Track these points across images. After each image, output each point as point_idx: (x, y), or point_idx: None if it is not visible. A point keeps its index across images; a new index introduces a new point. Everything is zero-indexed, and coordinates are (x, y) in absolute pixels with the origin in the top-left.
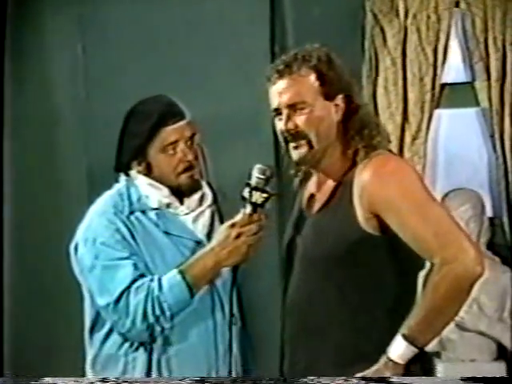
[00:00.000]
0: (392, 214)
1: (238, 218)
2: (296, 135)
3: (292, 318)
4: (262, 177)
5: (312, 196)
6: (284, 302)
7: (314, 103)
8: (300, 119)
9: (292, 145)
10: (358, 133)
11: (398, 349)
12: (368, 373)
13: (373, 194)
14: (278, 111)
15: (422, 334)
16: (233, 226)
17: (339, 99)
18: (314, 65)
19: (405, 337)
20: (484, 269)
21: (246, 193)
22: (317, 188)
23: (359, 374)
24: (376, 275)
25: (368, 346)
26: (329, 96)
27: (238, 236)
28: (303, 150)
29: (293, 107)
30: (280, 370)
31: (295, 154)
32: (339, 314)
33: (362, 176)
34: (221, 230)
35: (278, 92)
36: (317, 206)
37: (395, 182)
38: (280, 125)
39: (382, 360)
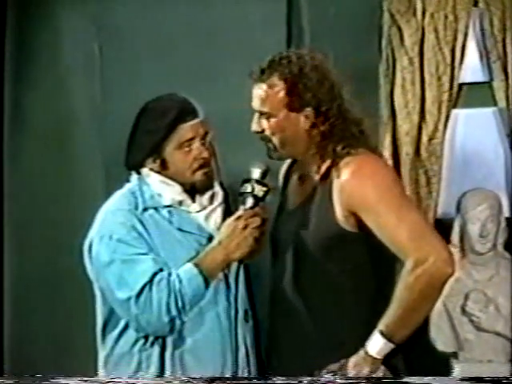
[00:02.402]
0: (369, 215)
1: (241, 211)
2: (262, 137)
3: (276, 307)
4: (259, 170)
5: (295, 188)
6: (272, 293)
7: (278, 114)
8: (265, 124)
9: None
10: (327, 138)
11: (376, 345)
12: (346, 364)
13: (351, 194)
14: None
15: (398, 330)
16: (238, 218)
17: (308, 111)
18: (285, 77)
19: (382, 333)
20: (454, 269)
21: (247, 187)
22: (300, 180)
23: (335, 365)
24: (356, 268)
25: (347, 336)
26: (295, 109)
27: (245, 227)
28: (271, 149)
29: (260, 112)
30: (267, 362)
31: (268, 152)
32: (316, 305)
33: (341, 177)
34: (227, 224)
35: (254, 95)
36: (299, 200)
37: (373, 183)
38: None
39: (361, 354)
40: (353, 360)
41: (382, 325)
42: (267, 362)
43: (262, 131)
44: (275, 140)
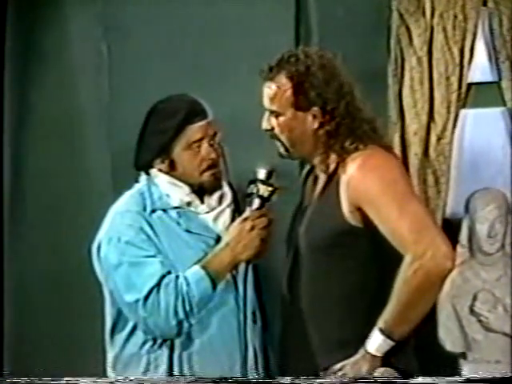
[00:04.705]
0: (372, 208)
1: (248, 213)
2: (272, 135)
3: (290, 308)
4: (265, 171)
5: (310, 188)
6: (285, 294)
7: (286, 113)
8: (274, 122)
9: (276, 142)
10: (333, 137)
11: (375, 342)
12: (347, 364)
13: (355, 187)
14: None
15: (397, 327)
16: (245, 219)
17: (315, 110)
18: (291, 75)
19: (381, 331)
20: (454, 264)
21: (253, 188)
22: (314, 180)
23: (338, 365)
24: (359, 266)
25: (350, 334)
26: (301, 107)
27: (252, 228)
28: (281, 149)
29: (270, 110)
30: (281, 362)
31: (279, 151)
32: (324, 302)
33: (347, 171)
34: (234, 226)
35: (264, 93)
36: (311, 198)
37: (376, 176)
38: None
39: (360, 352)
40: (353, 359)
41: (381, 321)
42: (279, 362)
43: (272, 129)
44: (284, 139)
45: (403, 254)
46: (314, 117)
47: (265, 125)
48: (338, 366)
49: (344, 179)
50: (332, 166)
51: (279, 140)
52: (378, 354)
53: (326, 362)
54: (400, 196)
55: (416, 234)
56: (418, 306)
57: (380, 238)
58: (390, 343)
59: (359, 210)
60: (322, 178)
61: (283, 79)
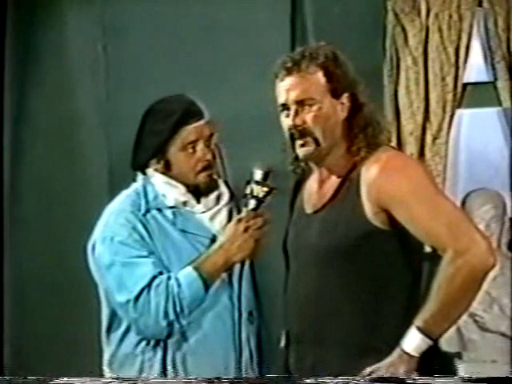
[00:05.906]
0: (402, 209)
1: (243, 214)
2: (303, 131)
3: (298, 313)
4: (261, 172)
5: (313, 193)
6: (287, 300)
7: (322, 100)
8: (308, 116)
9: (299, 142)
10: (361, 131)
11: (413, 341)
12: (381, 366)
13: (381, 189)
14: (285, 107)
15: (437, 325)
16: (239, 221)
17: (345, 97)
18: (322, 62)
19: (420, 329)
20: (496, 260)
21: (247, 189)
22: (319, 185)
23: (370, 368)
24: (384, 268)
25: (376, 338)
26: (336, 94)
27: (246, 229)
28: (310, 147)
29: (301, 104)
30: (285, 367)
31: (301, 152)
32: (346, 307)
33: (370, 172)
34: (228, 227)
35: (286, 89)
36: (321, 202)
37: (404, 177)
38: (287, 121)
39: (396, 353)
40: (388, 360)
41: (418, 320)
42: (285, 367)
43: (303, 124)
44: (318, 131)
45: (441, 253)
46: (343, 105)
47: (296, 121)
48: (369, 369)
49: (366, 181)
50: (346, 168)
51: (311, 135)
52: (416, 354)
53: (356, 367)
54: (431, 194)
55: (455, 231)
56: (460, 303)
57: (406, 238)
58: (429, 342)
59: (385, 212)
60: (334, 180)
61: (316, 68)
